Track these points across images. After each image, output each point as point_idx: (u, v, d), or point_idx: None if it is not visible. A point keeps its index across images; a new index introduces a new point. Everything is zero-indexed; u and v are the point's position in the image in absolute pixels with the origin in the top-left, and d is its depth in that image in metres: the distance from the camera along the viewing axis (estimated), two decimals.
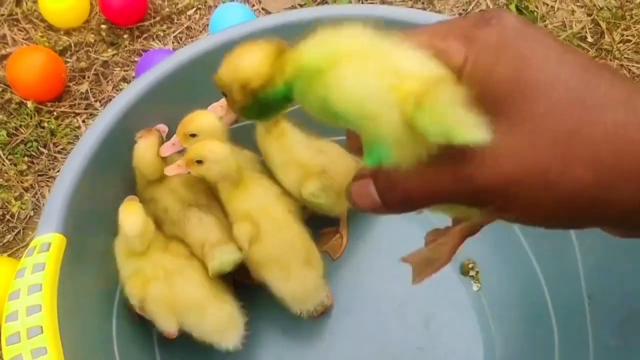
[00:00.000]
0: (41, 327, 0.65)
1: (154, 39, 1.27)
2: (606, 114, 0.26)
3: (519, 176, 0.27)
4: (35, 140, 1.13)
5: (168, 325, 0.80)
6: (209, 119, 0.80)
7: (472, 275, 0.95)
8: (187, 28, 1.29)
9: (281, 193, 0.87)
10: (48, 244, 0.72)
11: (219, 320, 0.81)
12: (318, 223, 0.93)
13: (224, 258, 0.81)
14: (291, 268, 0.83)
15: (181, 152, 0.83)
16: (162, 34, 1.28)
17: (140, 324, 0.85)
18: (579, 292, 0.80)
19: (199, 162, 0.79)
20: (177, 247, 0.84)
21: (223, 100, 0.82)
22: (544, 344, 0.84)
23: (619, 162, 0.26)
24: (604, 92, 0.27)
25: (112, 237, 0.83)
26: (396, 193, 0.31)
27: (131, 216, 0.77)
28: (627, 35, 1.32)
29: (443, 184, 0.29)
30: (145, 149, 0.83)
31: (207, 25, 1.29)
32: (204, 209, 0.85)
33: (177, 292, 0.79)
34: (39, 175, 1.10)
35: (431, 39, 0.31)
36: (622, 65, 1.31)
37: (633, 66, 1.30)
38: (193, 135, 0.80)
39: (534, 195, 0.27)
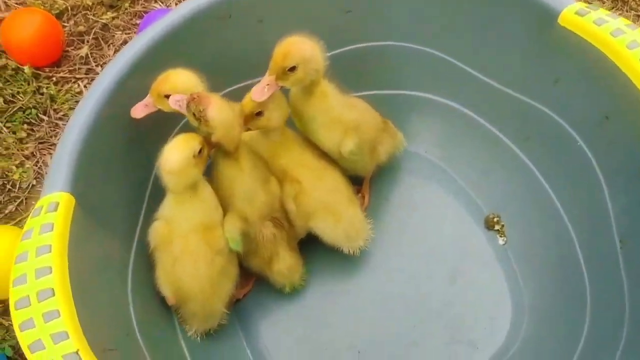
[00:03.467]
0: (52, 289, 0.61)
1: (155, 0, 1.22)
2: None
3: None
4: (34, 107, 1.08)
5: (164, 291, 0.79)
6: (186, 77, 0.76)
7: (498, 230, 0.91)
8: None
9: (306, 141, 0.85)
10: (56, 203, 0.67)
11: (199, 312, 0.80)
12: None
13: (296, 282, 0.86)
14: (340, 211, 0.83)
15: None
16: None
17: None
18: (611, 237, 0.77)
19: (259, 114, 0.78)
20: (219, 239, 0.79)
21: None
22: (576, 298, 0.81)
23: None
24: None
25: (123, 197, 0.79)
26: None
27: (173, 152, 0.71)
28: None
29: None
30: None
31: None
32: (278, 226, 0.83)
33: (180, 275, 0.77)
34: (39, 143, 1.05)
35: None
36: (638, 15, 1.26)
37: None
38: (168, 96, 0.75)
39: None
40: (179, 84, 0.75)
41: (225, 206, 0.80)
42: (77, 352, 0.59)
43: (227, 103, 0.74)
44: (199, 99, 0.72)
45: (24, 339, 0.59)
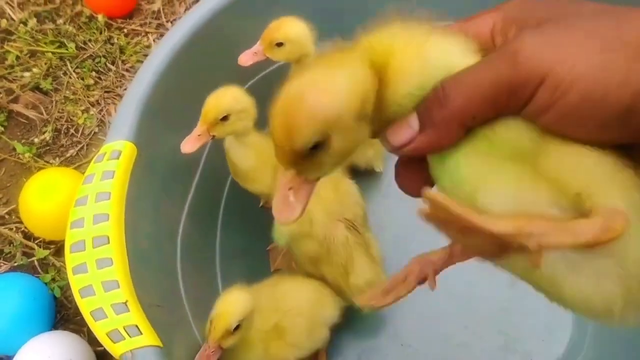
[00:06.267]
0: (107, 237, 0.60)
1: None
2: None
3: (563, 68, 0.27)
4: (104, 56, 1.07)
5: None
6: (298, 27, 0.71)
7: None
8: None
9: None
10: (118, 151, 0.66)
11: None
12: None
13: None
14: None
15: None
16: None
17: (203, 246, 0.80)
18: None
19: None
20: None
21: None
22: None
23: None
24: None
25: (182, 155, 0.78)
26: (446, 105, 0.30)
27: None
28: None
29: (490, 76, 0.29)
30: None
31: None
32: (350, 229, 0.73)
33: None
34: (105, 92, 1.05)
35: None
36: None
37: None
38: (280, 45, 0.70)
39: (587, 98, 0.27)
40: (292, 33, 0.70)
41: None
42: (125, 303, 0.57)
43: None
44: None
45: (75, 283, 0.58)
